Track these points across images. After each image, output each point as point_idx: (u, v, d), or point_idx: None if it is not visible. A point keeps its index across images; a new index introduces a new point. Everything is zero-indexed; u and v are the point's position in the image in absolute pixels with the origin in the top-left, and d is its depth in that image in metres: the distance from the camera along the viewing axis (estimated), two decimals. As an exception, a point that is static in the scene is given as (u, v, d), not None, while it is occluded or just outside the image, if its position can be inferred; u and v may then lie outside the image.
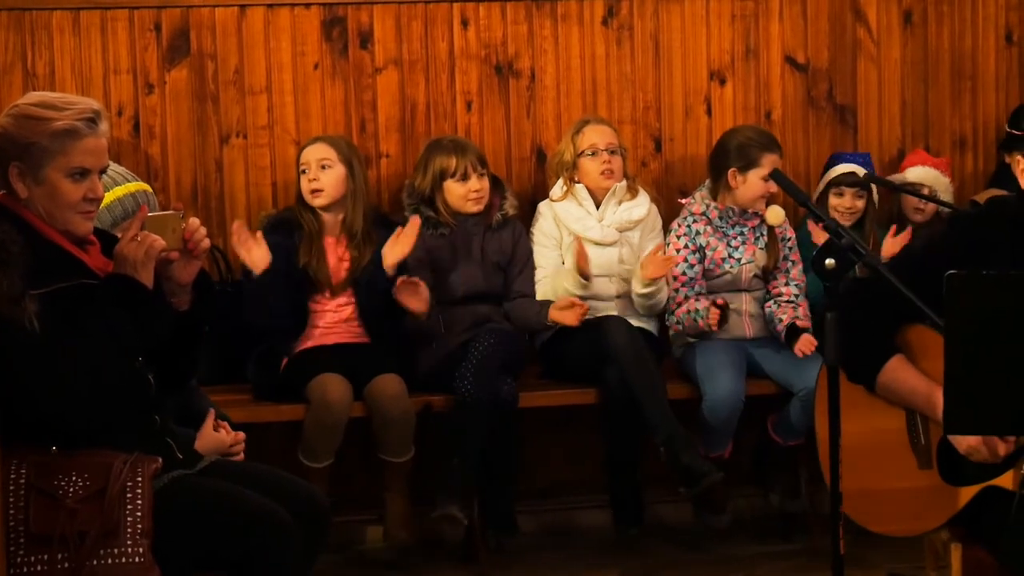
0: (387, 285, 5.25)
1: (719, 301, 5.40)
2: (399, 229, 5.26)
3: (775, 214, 5.43)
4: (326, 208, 5.40)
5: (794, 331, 5.41)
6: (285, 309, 5.30)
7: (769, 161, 5.47)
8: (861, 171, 5.72)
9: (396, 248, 5.25)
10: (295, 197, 5.47)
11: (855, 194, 5.72)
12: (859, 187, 5.71)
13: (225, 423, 3.96)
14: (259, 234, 5.27)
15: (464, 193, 5.47)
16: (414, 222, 5.28)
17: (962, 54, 6.13)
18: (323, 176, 5.38)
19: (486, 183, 5.50)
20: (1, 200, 3.50)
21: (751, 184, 5.50)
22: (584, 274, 5.40)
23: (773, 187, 5.43)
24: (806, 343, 5.36)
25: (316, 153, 5.40)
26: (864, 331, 3.71)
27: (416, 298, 5.25)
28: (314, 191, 5.38)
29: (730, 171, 5.51)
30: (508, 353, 5.33)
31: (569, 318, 5.36)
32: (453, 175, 5.46)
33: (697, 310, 5.41)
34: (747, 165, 5.49)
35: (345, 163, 5.39)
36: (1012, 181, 3.82)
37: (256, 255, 5.23)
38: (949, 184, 5.88)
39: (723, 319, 5.38)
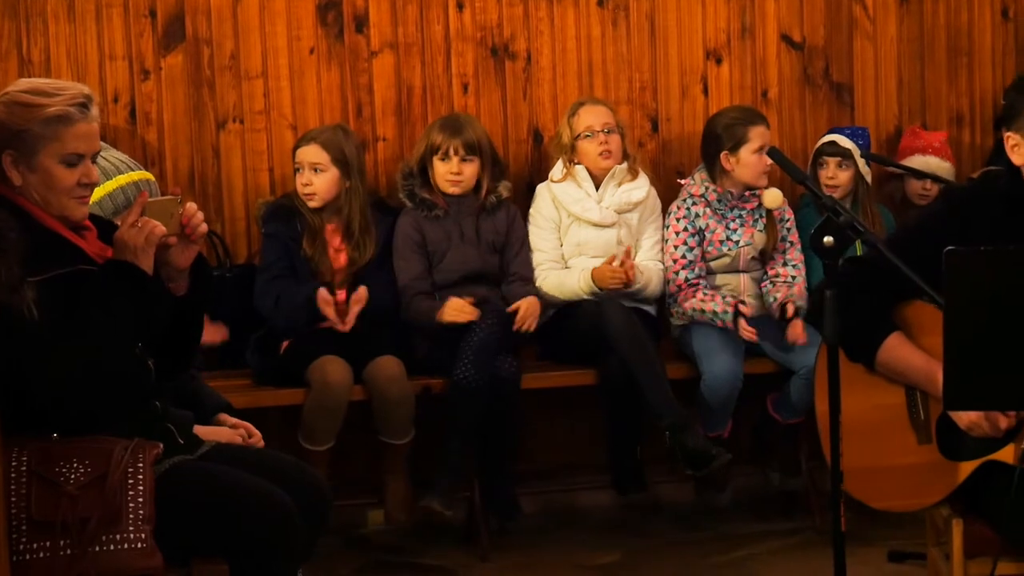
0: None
1: (733, 303, 5.38)
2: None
3: (772, 197, 5.41)
4: (321, 208, 5.40)
5: (787, 314, 5.39)
6: (311, 314, 5.30)
7: (757, 134, 5.46)
8: (845, 141, 5.68)
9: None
10: (294, 186, 5.47)
11: (837, 164, 5.68)
12: (840, 157, 5.67)
13: (249, 424, 3.97)
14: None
15: (444, 173, 5.46)
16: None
17: (958, 30, 6.12)
18: (315, 180, 5.37)
19: (468, 169, 5.46)
20: (-3, 188, 3.49)
21: (745, 161, 5.49)
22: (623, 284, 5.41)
23: (769, 159, 5.42)
24: (796, 332, 5.35)
25: (308, 156, 5.38)
26: (861, 310, 3.71)
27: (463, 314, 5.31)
28: (307, 194, 5.38)
29: (722, 154, 5.50)
30: (508, 333, 5.34)
31: (607, 278, 5.38)
32: (437, 152, 5.46)
33: (715, 311, 5.39)
34: (736, 144, 5.48)
35: (338, 164, 5.37)
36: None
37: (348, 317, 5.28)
38: (951, 168, 5.87)
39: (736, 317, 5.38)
